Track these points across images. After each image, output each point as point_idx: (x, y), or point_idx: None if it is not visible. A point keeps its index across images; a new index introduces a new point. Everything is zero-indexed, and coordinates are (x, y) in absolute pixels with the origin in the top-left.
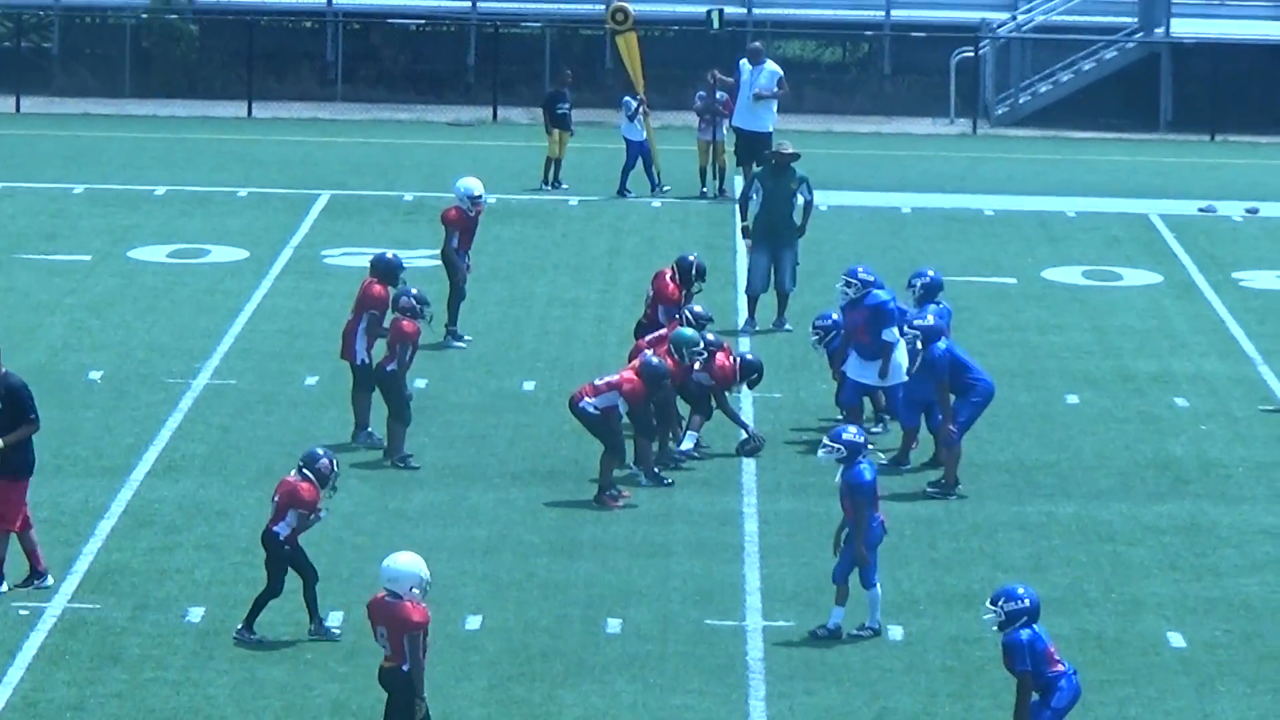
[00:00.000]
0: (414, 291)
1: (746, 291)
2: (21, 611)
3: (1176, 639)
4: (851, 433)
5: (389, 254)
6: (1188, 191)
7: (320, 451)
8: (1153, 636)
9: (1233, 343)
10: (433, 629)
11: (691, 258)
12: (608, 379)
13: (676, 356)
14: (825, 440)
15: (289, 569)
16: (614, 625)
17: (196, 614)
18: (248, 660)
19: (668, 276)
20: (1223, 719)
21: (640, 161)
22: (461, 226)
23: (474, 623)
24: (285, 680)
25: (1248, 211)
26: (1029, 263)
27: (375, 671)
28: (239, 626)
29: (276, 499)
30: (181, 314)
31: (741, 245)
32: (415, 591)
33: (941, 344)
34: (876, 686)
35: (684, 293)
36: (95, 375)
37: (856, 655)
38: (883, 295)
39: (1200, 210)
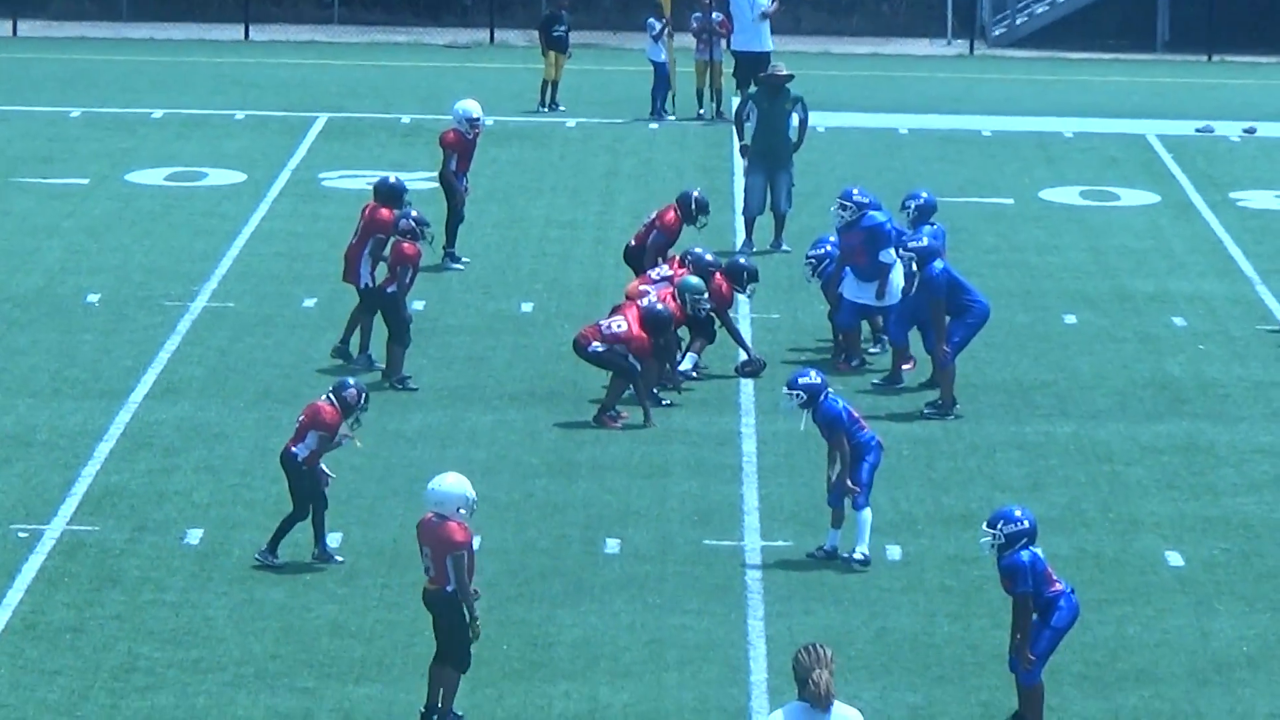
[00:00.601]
0: (414, 214)
1: (743, 213)
2: (20, 534)
3: (1175, 558)
4: (810, 376)
5: (392, 178)
6: (1185, 112)
7: (351, 381)
8: (1151, 555)
9: (1230, 262)
10: None
11: (695, 193)
12: (614, 329)
13: (680, 302)
14: (785, 389)
15: (309, 488)
16: (612, 546)
17: (195, 536)
18: (246, 581)
19: (671, 211)
20: (1221, 637)
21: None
22: (459, 149)
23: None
24: (284, 601)
25: (1245, 131)
26: (1026, 183)
27: (371, 593)
28: (262, 548)
29: (300, 419)
30: (179, 237)
31: (739, 166)
32: (462, 512)
33: (938, 264)
34: (875, 606)
35: (684, 226)
36: (93, 298)
37: (855, 575)
38: (879, 216)
39: (1198, 130)
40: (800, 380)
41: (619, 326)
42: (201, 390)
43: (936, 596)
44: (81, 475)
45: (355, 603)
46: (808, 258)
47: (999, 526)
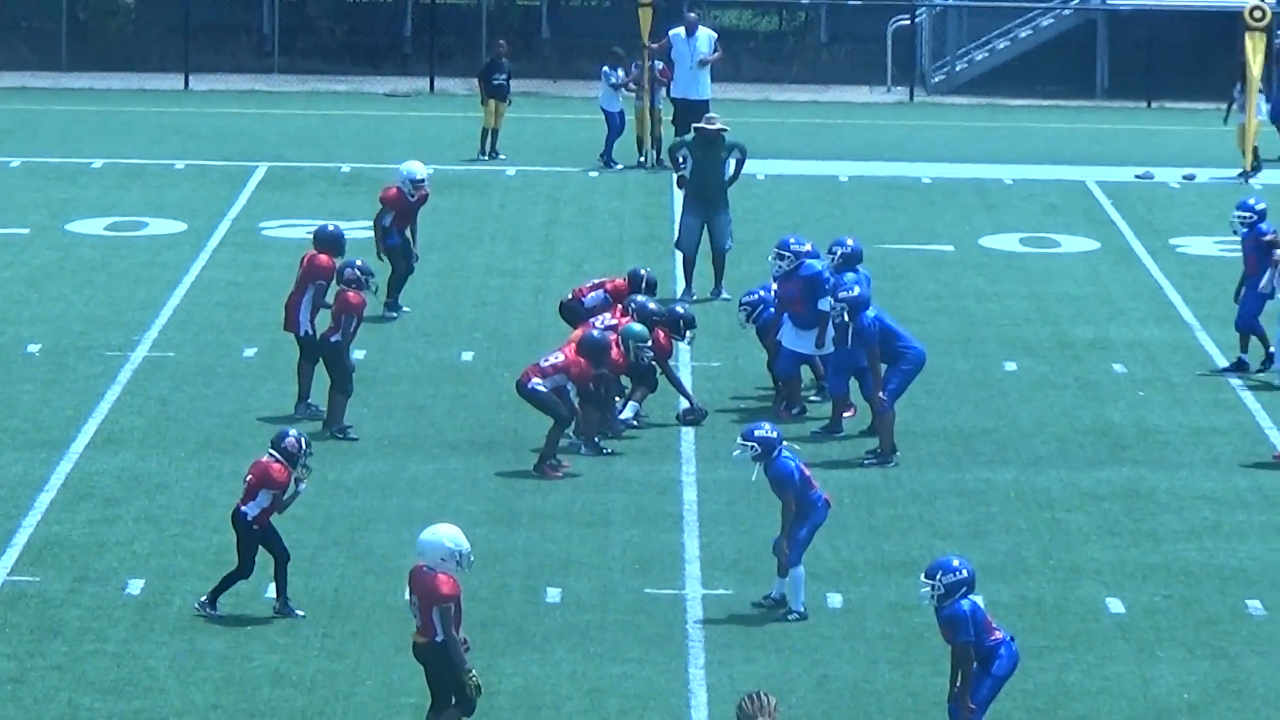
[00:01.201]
0: (358, 263)
1: (678, 247)
2: None
3: (1116, 605)
4: (765, 429)
5: (330, 226)
6: (1125, 158)
7: (290, 431)
8: (1092, 602)
9: (1170, 308)
10: (370, 599)
11: (643, 271)
12: (553, 360)
13: (624, 349)
14: (739, 439)
15: (258, 549)
16: (553, 594)
17: (136, 586)
18: (187, 631)
19: (621, 280)
20: (1162, 684)
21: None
22: (399, 207)
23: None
24: (225, 651)
25: (1184, 178)
26: (966, 230)
27: (312, 642)
28: (202, 599)
29: (248, 479)
30: (119, 286)
31: (678, 207)
32: (446, 563)
33: (870, 313)
34: (816, 654)
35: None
36: (33, 348)
37: (796, 624)
38: (817, 265)
39: (1137, 177)
40: (755, 433)
41: (556, 357)
42: (142, 440)
43: (877, 644)
44: (22, 525)
45: (296, 652)
46: (742, 304)
47: (937, 577)
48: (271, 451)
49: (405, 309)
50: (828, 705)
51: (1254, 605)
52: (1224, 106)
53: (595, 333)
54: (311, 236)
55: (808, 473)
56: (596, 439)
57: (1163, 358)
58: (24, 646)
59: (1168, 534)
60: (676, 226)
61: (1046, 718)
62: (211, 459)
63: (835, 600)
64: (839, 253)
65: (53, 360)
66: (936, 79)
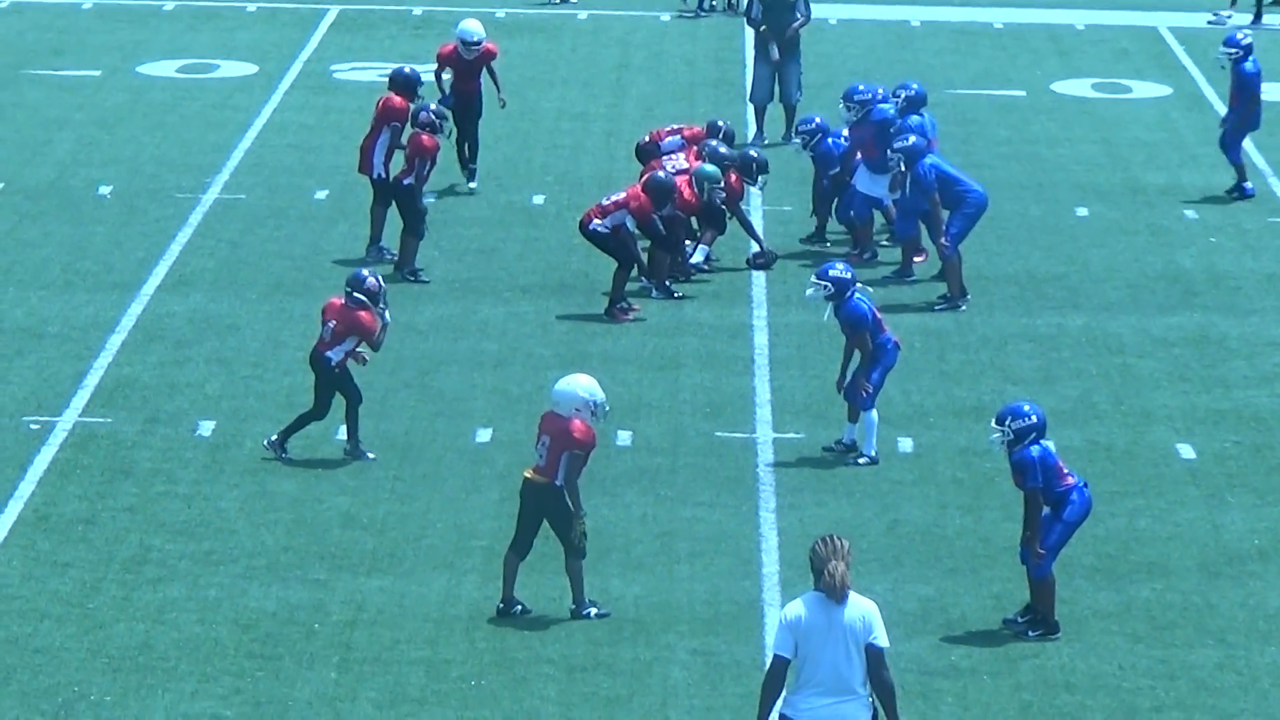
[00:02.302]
0: (432, 106)
1: (750, 99)
2: (32, 426)
3: (1186, 450)
4: (839, 269)
5: (406, 68)
6: (1197, 3)
7: (365, 272)
8: (1163, 448)
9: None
10: (441, 442)
11: (722, 123)
12: (614, 198)
13: (696, 189)
14: (813, 278)
15: (334, 392)
16: (624, 438)
17: (207, 428)
18: (258, 473)
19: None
20: (1232, 530)
21: None
22: (456, 65)
23: (484, 435)
24: (296, 494)
25: (1213, 20)
26: (1038, 75)
27: (383, 485)
28: (272, 438)
29: (332, 325)
30: (190, 129)
31: (749, 56)
32: (581, 413)
33: (928, 160)
34: (887, 499)
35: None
36: (105, 190)
37: (867, 468)
38: (887, 109)
39: (1210, 22)
40: (829, 272)
41: (618, 195)
42: (213, 282)
43: (948, 489)
44: (93, 367)
45: (366, 495)
46: (798, 131)
47: (1007, 423)
48: (349, 292)
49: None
50: (898, 550)
51: None
52: None
53: (662, 173)
54: (386, 79)
55: (879, 315)
56: (667, 282)
57: (1234, 204)
58: (95, 488)
59: (1238, 380)
60: (749, 73)
61: (1117, 563)
62: (282, 301)
63: (906, 445)
64: (903, 95)
65: (124, 202)
66: None
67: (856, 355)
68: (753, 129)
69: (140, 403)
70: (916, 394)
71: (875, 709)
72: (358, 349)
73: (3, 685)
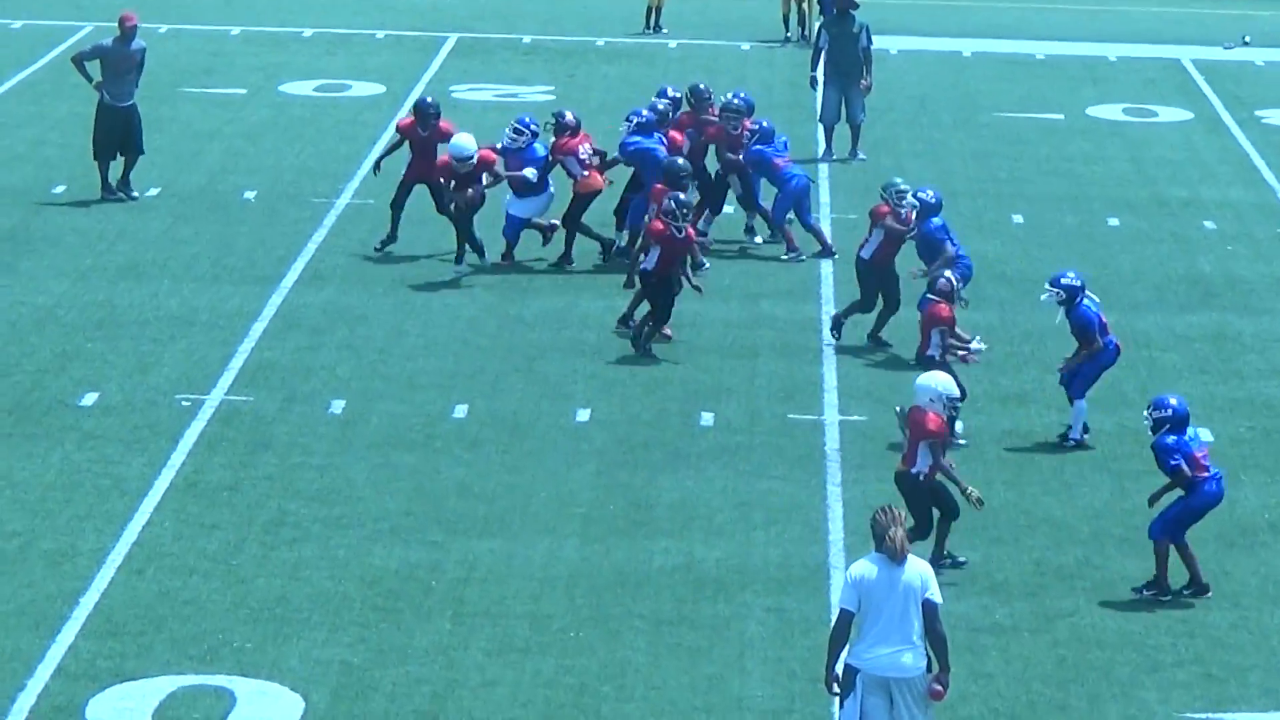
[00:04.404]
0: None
1: (820, 120)
2: (184, 403)
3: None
4: (1070, 277)
5: (568, 115)
6: (1217, 39)
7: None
8: None
9: (1255, 173)
10: (546, 421)
11: (568, 114)
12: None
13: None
14: (1046, 285)
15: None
16: (707, 418)
17: (338, 406)
18: (383, 447)
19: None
20: (1245, 505)
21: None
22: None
23: (584, 415)
24: (416, 465)
25: (1228, 47)
26: (1075, 101)
27: (494, 458)
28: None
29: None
30: (326, 141)
31: (821, 80)
32: (933, 403)
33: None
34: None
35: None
36: (249, 195)
37: None
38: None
39: (1225, 47)
40: (1062, 280)
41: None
42: (344, 277)
43: (993, 466)
44: (238, 351)
45: (480, 466)
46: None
47: (1150, 411)
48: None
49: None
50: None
51: None
52: None
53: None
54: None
55: (1105, 320)
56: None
57: (1248, 216)
58: (239, 458)
59: (1252, 372)
60: (819, 97)
61: (1141, 534)
62: (405, 295)
63: (957, 427)
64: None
65: (266, 206)
66: None
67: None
68: (822, 146)
69: (279, 383)
70: (967, 381)
71: (929, 657)
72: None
73: (156, 632)
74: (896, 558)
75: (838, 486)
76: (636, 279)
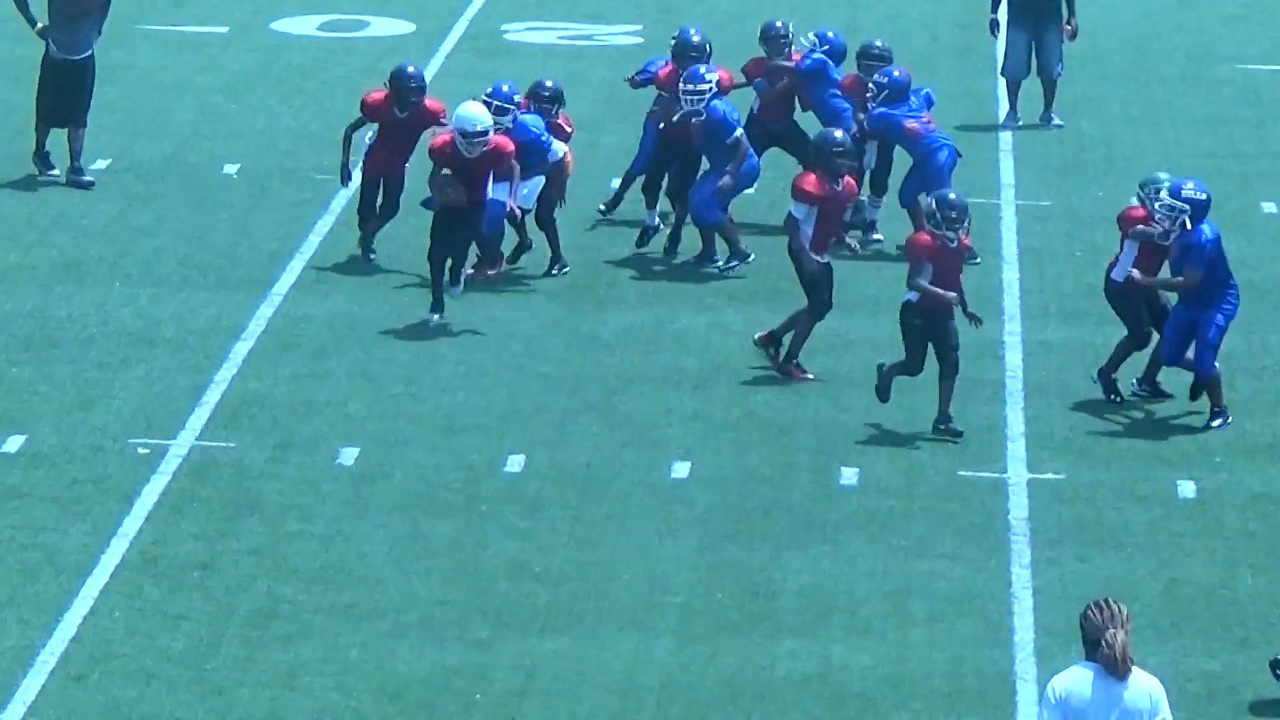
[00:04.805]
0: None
1: (1003, 73)
2: (141, 450)
3: None
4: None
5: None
6: None
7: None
8: None
9: None
10: (630, 475)
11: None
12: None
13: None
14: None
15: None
16: (849, 475)
17: (349, 455)
18: (410, 511)
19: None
20: None
21: None
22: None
23: (681, 470)
24: (455, 536)
25: None
26: None
27: (560, 527)
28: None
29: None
30: (334, 98)
31: (1002, 18)
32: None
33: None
34: (1164, 553)
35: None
36: (231, 169)
37: (1140, 514)
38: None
39: None
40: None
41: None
42: (359, 281)
43: (1237, 543)
44: (214, 381)
45: (540, 538)
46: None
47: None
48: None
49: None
50: (1177, 615)
51: None
52: None
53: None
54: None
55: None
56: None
57: None
58: (215, 525)
59: None
60: (1001, 43)
61: None
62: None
63: (1187, 489)
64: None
65: (253, 184)
66: None
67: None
68: (1004, 108)
69: (270, 424)
70: (1199, 426)
71: None
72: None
73: None
74: (1117, 670)
75: (1025, 569)
76: (909, 317)
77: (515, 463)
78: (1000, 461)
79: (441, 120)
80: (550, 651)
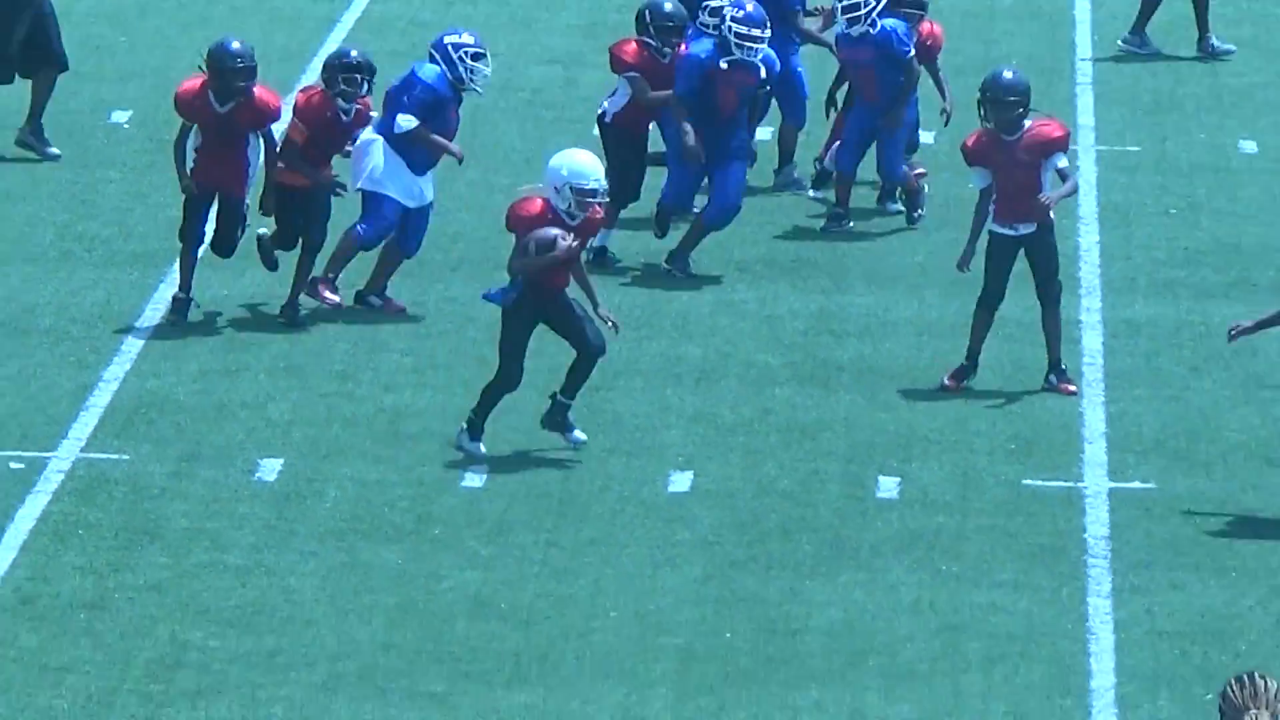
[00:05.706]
0: None
1: None
2: (13, 465)
3: None
4: None
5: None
6: None
7: None
8: None
9: None
10: (618, 491)
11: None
12: None
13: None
14: None
15: None
16: (888, 486)
17: (271, 469)
18: (346, 536)
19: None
20: None
21: None
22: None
23: (681, 482)
24: (402, 566)
25: None
26: None
27: (531, 554)
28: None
29: None
30: (246, 27)
31: None
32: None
33: None
34: (1275, 579)
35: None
36: (121, 118)
37: (1246, 532)
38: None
39: None
40: None
41: None
42: (281, 255)
43: None
44: (103, 379)
45: (507, 569)
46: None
47: None
48: None
49: None
50: None
51: None
52: None
53: None
54: None
55: None
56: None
57: None
58: (106, 556)
59: None
60: None
61: None
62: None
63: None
64: None
65: (147, 134)
66: None
67: None
68: (1083, 25)
69: (173, 431)
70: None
71: None
72: None
73: None
74: None
75: (1105, 599)
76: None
77: (475, 477)
78: (1075, 468)
79: (277, 118)
80: (520, 706)
